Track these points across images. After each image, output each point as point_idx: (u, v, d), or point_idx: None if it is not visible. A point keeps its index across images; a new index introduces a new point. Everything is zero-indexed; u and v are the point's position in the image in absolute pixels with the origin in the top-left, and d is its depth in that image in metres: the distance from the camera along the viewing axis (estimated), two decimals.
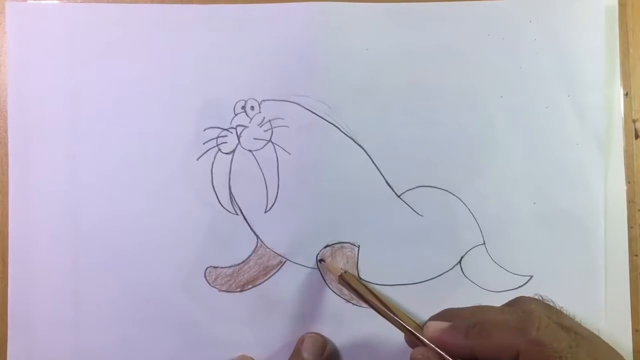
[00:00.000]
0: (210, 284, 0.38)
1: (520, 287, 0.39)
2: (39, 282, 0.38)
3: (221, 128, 0.38)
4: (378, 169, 0.39)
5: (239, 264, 0.38)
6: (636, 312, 0.39)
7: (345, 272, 0.37)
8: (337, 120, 0.39)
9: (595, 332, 0.29)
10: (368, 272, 0.39)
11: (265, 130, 0.38)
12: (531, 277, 0.39)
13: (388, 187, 0.39)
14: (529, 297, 0.32)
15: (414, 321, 0.32)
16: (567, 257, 0.39)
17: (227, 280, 0.38)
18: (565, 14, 0.39)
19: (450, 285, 0.39)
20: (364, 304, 0.36)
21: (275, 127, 0.38)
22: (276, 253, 0.38)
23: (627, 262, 0.39)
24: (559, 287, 0.38)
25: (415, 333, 0.31)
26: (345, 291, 0.38)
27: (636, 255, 0.39)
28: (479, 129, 0.39)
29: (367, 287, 0.36)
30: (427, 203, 0.39)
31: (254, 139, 0.38)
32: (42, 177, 0.38)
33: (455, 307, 0.31)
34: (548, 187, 0.39)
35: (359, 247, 0.39)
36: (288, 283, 0.38)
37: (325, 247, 0.39)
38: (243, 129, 0.38)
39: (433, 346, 0.29)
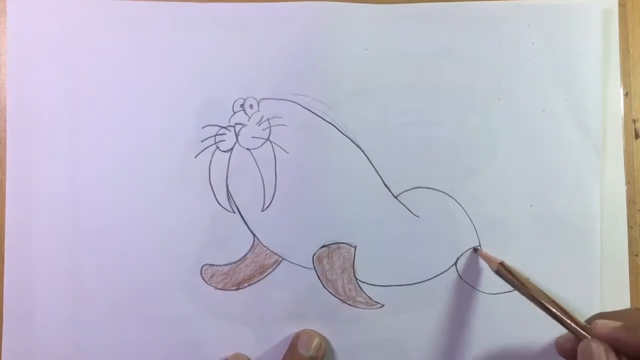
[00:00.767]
0: (206, 282, 0.38)
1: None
2: (38, 280, 0.38)
3: (219, 126, 0.38)
4: (375, 169, 0.39)
5: (235, 262, 0.38)
6: None
7: (502, 261, 0.36)
8: (336, 120, 0.39)
9: None
10: (364, 273, 0.39)
11: (264, 129, 0.38)
12: (527, 279, 0.38)
13: (385, 187, 0.39)
14: None
15: (578, 319, 0.31)
16: (563, 259, 0.39)
17: (223, 279, 0.38)
18: (563, 18, 0.39)
19: (445, 286, 0.39)
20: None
21: (273, 125, 0.39)
22: (272, 252, 0.39)
23: (626, 263, 0.39)
24: (554, 289, 0.38)
25: (578, 329, 0.30)
26: (341, 291, 0.38)
27: (636, 255, 0.39)
28: (477, 131, 0.39)
29: (527, 280, 0.35)
30: (423, 204, 0.39)
31: (252, 137, 0.38)
32: (41, 175, 0.38)
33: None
34: (544, 189, 0.39)
35: (355, 248, 0.39)
36: (284, 282, 0.38)
37: (322, 247, 0.39)
38: (241, 128, 0.38)
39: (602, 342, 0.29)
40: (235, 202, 0.38)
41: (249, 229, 0.38)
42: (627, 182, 0.39)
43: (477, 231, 0.39)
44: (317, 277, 0.39)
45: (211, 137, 0.38)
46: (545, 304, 0.32)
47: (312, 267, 0.39)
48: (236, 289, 0.38)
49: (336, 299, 0.39)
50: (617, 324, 0.29)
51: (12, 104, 0.38)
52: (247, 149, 0.38)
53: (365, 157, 0.39)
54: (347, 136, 0.39)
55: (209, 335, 0.38)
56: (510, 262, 0.38)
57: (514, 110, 0.39)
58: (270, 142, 0.38)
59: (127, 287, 0.38)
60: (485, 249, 0.39)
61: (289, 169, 0.38)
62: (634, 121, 0.40)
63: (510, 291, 0.39)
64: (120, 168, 0.38)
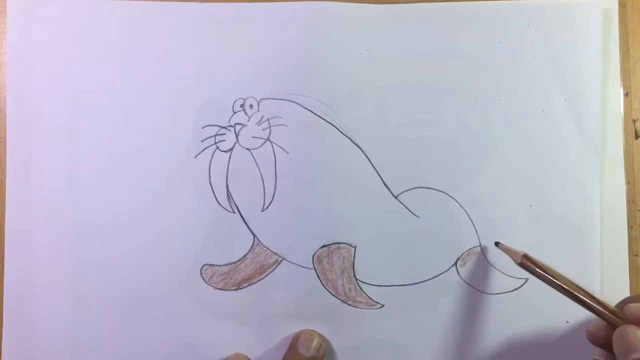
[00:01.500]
0: (206, 282, 0.38)
1: (516, 289, 0.39)
2: (38, 280, 0.38)
3: (219, 126, 0.38)
4: (375, 169, 0.39)
5: (235, 262, 0.38)
6: None
7: (526, 253, 0.35)
8: (336, 120, 0.39)
9: None
10: (364, 273, 0.39)
11: (264, 129, 0.38)
12: (527, 279, 0.39)
13: (385, 187, 0.39)
14: None
15: (608, 305, 0.31)
16: (563, 259, 0.39)
17: (223, 279, 0.38)
18: (563, 19, 0.39)
19: (445, 286, 0.39)
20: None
21: (273, 125, 0.39)
22: (272, 252, 0.39)
23: (626, 263, 0.39)
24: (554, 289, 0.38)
25: (611, 315, 0.30)
26: (341, 291, 0.38)
27: (636, 255, 0.39)
28: (477, 131, 0.39)
29: (552, 270, 0.34)
30: (423, 204, 0.39)
31: (252, 137, 0.38)
32: (41, 175, 0.38)
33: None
34: (544, 189, 0.39)
35: (355, 248, 0.39)
36: (284, 282, 0.38)
37: (322, 247, 0.39)
38: (241, 128, 0.38)
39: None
40: (235, 202, 0.38)
41: (249, 229, 0.38)
42: (627, 182, 0.39)
43: (477, 231, 0.39)
44: (317, 277, 0.39)
45: (211, 137, 0.38)
46: (574, 292, 0.32)
47: (312, 267, 0.39)
48: (236, 289, 0.38)
49: (336, 299, 0.39)
50: None
51: (12, 104, 0.38)
52: (247, 149, 0.38)
53: (365, 157, 0.39)
54: (347, 136, 0.39)
55: (209, 335, 0.38)
56: (510, 261, 0.38)
57: (514, 110, 0.39)
58: (270, 142, 0.38)
59: (126, 287, 0.38)
60: (485, 249, 0.39)
61: (289, 169, 0.38)
62: (634, 121, 0.40)
63: (510, 291, 0.39)
64: (120, 168, 0.38)
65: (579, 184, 0.39)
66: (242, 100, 0.39)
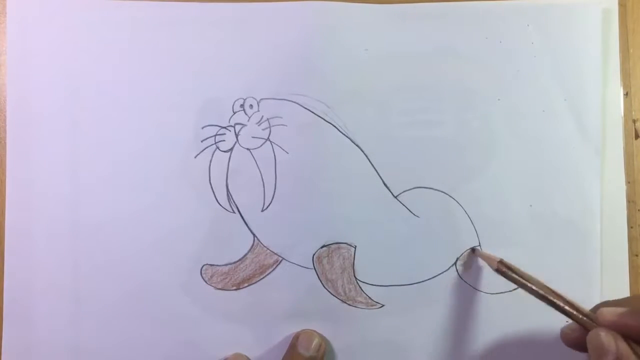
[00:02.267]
0: (206, 282, 0.38)
1: (515, 289, 0.38)
2: (38, 280, 0.38)
3: (219, 126, 0.38)
4: (375, 169, 0.39)
5: (235, 262, 0.38)
6: None
7: (502, 259, 0.35)
8: (336, 120, 0.39)
9: None
10: (364, 273, 0.39)
11: (264, 129, 0.38)
12: (527, 274, 0.38)
13: (385, 187, 0.39)
14: None
15: (583, 308, 0.31)
16: (563, 259, 0.39)
17: (223, 279, 0.38)
18: (563, 19, 0.39)
19: (445, 286, 0.39)
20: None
21: (273, 125, 0.39)
22: (272, 252, 0.39)
23: (626, 263, 0.39)
24: (554, 289, 0.38)
25: (585, 319, 0.30)
26: (341, 291, 0.38)
27: (636, 255, 0.39)
28: (476, 131, 0.39)
29: (528, 275, 0.34)
30: (423, 204, 0.39)
31: (252, 137, 0.38)
32: (41, 174, 0.38)
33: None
34: (544, 189, 0.39)
35: (355, 248, 0.39)
36: (284, 282, 0.38)
37: (322, 247, 0.39)
38: (241, 128, 0.38)
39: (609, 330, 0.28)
40: (235, 202, 0.38)
41: (249, 229, 0.39)
42: (627, 182, 0.39)
43: (477, 231, 0.39)
44: (317, 277, 0.39)
45: (211, 137, 0.38)
46: (548, 296, 0.32)
47: (312, 267, 0.39)
48: (236, 289, 0.38)
49: (336, 299, 0.39)
50: (623, 310, 0.29)
51: (12, 104, 0.38)
52: (247, 149, 0.38)
53: (365, 157, 0.39)
54: (347, 136, 0.39)
55: (209, 335, 0.38)
56: (510, 261, 0.38)
57: (514, 110, 0.39)
58: (270, 142, 0.38)
59: (127, 287, 0.38)
60: (485, 249, 0.39)
61: (289, 169, 0.38)
62: (634, 121, 0.40)
63: (510, 291, 0.39)
64: (120, 168, 0.38)
65: (579, 184, 0.39)
66: (242, 100, 0.39)
